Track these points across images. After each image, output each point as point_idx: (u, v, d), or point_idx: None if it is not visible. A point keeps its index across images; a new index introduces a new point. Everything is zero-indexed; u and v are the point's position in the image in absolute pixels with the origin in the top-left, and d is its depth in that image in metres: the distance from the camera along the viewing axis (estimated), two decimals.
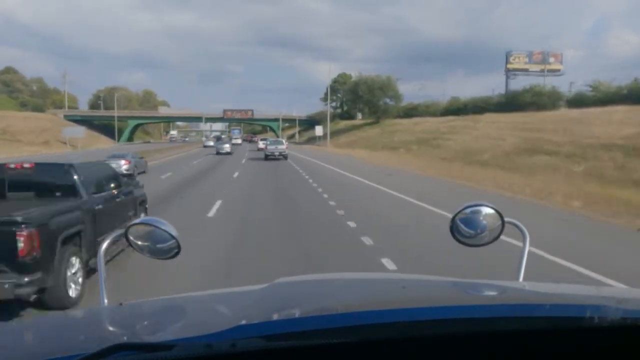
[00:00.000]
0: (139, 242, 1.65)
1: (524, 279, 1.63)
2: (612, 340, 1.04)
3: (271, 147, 36.58)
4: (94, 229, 5.77)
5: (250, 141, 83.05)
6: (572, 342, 1.04)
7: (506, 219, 1.70)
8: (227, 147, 45.81)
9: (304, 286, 1.58)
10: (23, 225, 4.50)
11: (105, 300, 1.58)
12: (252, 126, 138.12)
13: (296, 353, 0.94)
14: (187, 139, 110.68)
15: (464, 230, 1.72)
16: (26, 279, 4.56)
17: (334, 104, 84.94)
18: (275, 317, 1.07)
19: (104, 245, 1.67)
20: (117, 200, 6.79)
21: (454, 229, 1.72)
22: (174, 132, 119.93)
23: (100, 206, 6.07)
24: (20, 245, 4.49)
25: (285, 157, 34.90)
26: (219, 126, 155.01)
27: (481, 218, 1.71)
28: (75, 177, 5.85)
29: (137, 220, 1.64)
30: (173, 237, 1.63)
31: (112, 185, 6.83)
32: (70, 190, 5.82)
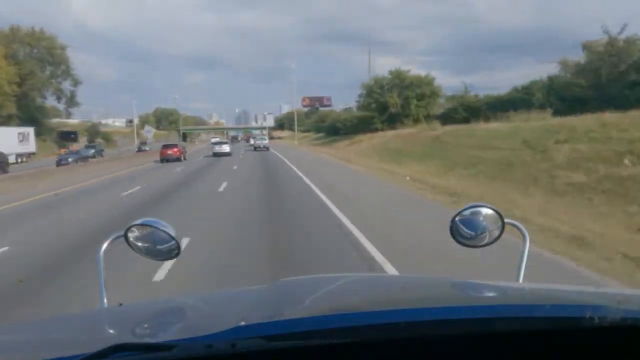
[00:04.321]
0: (139, 244, 1.65)
1: (524, 279, 1.63)
2: (612, 341, 1.04)
3: (258, 142, 51.74)
4: None
5: (247, 140, 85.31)
6: (572, 343, 1.04)
7: (506, 220, 1.70)
8: None
9: (304, 286, 1.58)
10: None
11: (105, 301, 1.59)
12: None
13: (296, 353, 0.94)
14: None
15: (464, 231, 1.72)
16: None
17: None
18: (275, 317, 1.07)
19: (104, 245, 1.67)
20: None
21: (453, 230, 1.72)
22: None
23: None
24: None
25: (267, 148, 48.03)
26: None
27: (481, 219, 1.71)
28: None
29: (136, 222, 1.64)
30: (173, 238, 1.62)
31: None
32: None
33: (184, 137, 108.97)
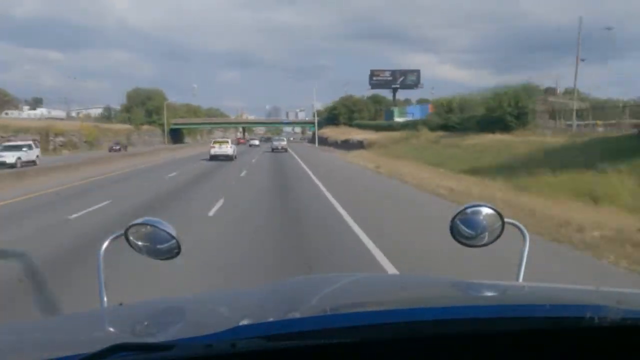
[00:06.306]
0: (139, 243, 1.64)
1: (524, 279, 1.63)
2: (612, 340, 1.04)
3: (276, 143, 52.95)
4: None
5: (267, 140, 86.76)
6: (572, 342, 1.04)
7: (506, 220, 1.69)
8: None
9: (303, 286, 1.58)
10: None
11: (105, 300, 1.58)
12: None
13: (296, 353, 0.94)
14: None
15: (464, 231, 1.71)
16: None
17: None
18: (275, 317, 1.07)
19: (104, 245, 1.67)
20: None
21: (453, 230, 1.71)
22: None
23: None
24: None
25: (285, 149, 49.09)
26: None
27: (481, 218, 1.71)
28: None
29: (136, 221, 1.63)
30: (173, 237, 1.62)
31: None
32: None
33: (177, 135, 71.60)
